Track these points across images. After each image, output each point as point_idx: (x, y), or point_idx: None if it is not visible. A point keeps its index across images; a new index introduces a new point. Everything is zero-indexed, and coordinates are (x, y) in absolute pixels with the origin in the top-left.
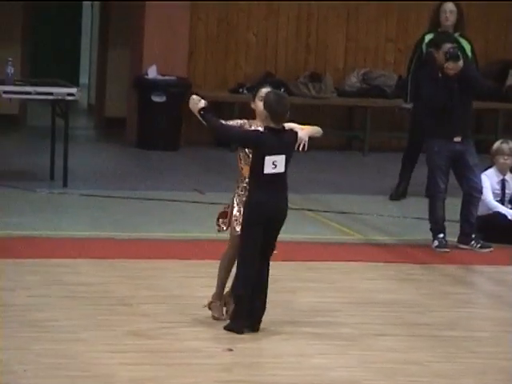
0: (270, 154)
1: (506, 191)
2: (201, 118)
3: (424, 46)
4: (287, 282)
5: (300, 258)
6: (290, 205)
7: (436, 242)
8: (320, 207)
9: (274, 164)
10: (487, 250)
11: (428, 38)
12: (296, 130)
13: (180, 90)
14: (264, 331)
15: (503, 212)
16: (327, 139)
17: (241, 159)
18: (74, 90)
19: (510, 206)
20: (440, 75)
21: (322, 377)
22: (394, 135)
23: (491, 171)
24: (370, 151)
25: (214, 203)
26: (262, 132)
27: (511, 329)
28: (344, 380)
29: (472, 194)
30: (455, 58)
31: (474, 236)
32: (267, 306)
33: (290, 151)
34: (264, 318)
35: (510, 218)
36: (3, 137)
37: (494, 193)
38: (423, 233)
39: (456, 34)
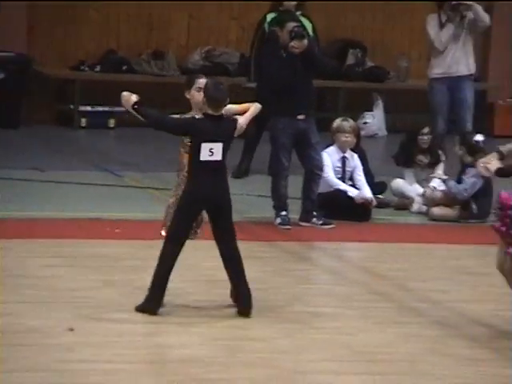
0: (207, 141)
1: (347, 168)
2: (135, 113)
3: (266, 25)
4: (129, 260)
5: (143, 237)
6: (134, 183)
7: (279, 220)
8: (165, 185)
9: (211, 151)
10: (328, 226)
11: (270, 17)
12: (236, 117)
13: (19, 67)
14: (108, 311)
15: (344, 189)
16: None
17: (181, 147)
18: None
19: (350, 182)
20: (284, 54)
21: (165, 355)
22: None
23: (332, 149)
24: None
25: (57, 182)
26: (198, 119)
27: (351, 304)
28: (187, 358)
29: (313, 171)
30: (300, 37)
31: (315, 213)
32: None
33: (228, 138)
34: (104, 297)
35: (350, 194)
36: None
37: (334, 170)
38: (266, 210)
39: (298, 13)
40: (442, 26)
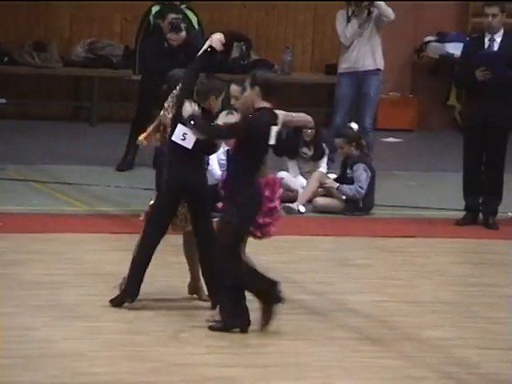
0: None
1: None
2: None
3: (151, 18)
4: (13, 254)
5: (26, 230)
6: (16, 176)
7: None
8: (46, 178)
9: (184, 136)
10: None
11: (155, 9)
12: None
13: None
14: None
15: None
16: (54, 110)
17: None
18: None
19: None
20: (166, 45)
21: (47, 349)
22: (123, 105)
23: None
24: (97, 122)
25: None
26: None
27: None
28: (69, 352)
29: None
30: (177, 29)
31: None
32: None
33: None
34: None
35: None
36: None
37: (219, 163)
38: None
39: (182, 6)
40: (348, 21)
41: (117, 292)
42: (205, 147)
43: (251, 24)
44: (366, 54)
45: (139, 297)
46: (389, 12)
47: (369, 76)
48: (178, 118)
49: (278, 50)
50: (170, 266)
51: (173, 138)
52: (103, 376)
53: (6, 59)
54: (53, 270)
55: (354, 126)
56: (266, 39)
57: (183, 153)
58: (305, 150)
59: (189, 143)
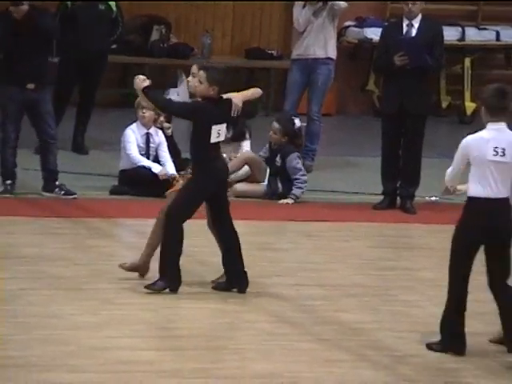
0: (216, 123)
1: (151, 145)
2: (144, 96)
3: (69, 2)
4: None
5: None
6: None
7: (1, 188)
8: None
9: (218, 133)
10: (72, 196)
11: None
12: (231, 97)
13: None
14: None
15: (147, 165)
16: None
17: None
18: None
19: (153, 159)
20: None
21: None
22: None
23: (135, 125)
24: None
25: None
26: (204, 102)
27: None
28: None
29: (46, 140)
30: (15, 3)
31: (57, 183)
32: None
33: (228, 119)
34: None
35: (154, 171)
36: None
37: (138, 146)
38: (71, 186)
39: None
40: (303, 8)
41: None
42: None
43: (171, 7)
44: (318, 43)
45: (55, 279)
46: (340, 3)
47: (319, 64)
48: (207, 122)
49: (197, 33)
50: (87, 250)
51: (212, 141)
52: (17, 359)
53: None
54: None
55: (297, 122)
56: (186, 22)
57: (216, 147)
58: None
59: (222, 136)
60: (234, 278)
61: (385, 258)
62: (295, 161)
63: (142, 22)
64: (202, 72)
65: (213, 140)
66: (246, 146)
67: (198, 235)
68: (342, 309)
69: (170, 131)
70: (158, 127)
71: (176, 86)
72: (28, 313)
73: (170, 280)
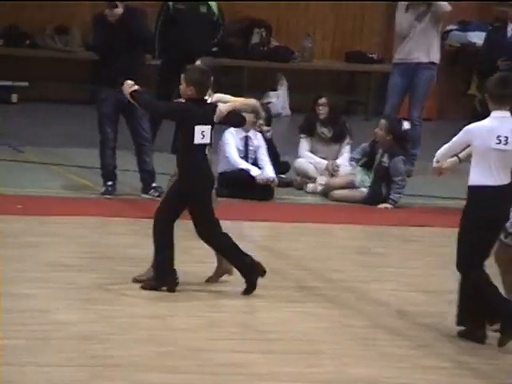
0: (199, 124)
1: (250, 148)
2: (132, 100)
3: (171, 3)
4: (30, 236)
5: (43, 213)
6: (35, 159)
7: (103, 189)
8: (63, 161)
9: (203, 134)
10: None
11: None
12: (218, 103)
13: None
14: (7, 285)
15: (246, 168)
16: (71, 93)
17: None
18: None
19: (252, 162)
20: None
21: (62, 331)
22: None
23: (234, 128)
24: None
25: None
26: (187, 103)
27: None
28: (84, 335)
29: (140, 143)
30: (112, 6)
31: (154, 185)
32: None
33: (212, 122)
34: (7, 273)
35: (252, 174)
36: None
37: (238, 149)
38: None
39: None
40: (406, 12)
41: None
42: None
43: (272, 10)
44: (421, 47)
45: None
46: (444, 5)
47: (421, 69)
48: (190, 123)
49: (298, 36)
50: (185, 251)
51: (195, 142)
52: (117, 359)
53: (27, 42)
54: (69, 252)
55: (406, 125)
56: (287, 25)
57: (200, 148)
58: (323, 130)
59: (207, 138)
60: (247, 272)
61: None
62: (400, 164)
63: (243, 25)
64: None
65: (196, 141)
66: (346, 152)
67: (297, 238)
68: (439, 315)
69: (269, 134)
70: (257, 130)
71: (276, 90)
72: (127, 313)
73: (164, 281)
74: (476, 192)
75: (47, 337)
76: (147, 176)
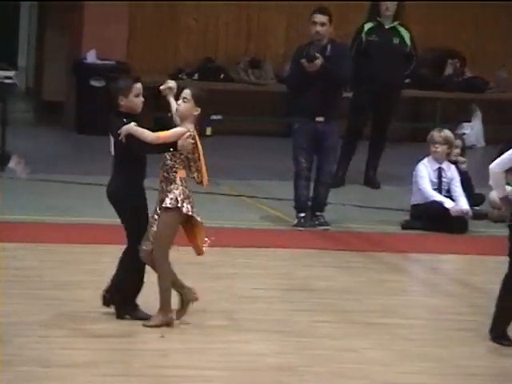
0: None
1: (443, 179)
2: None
3: (363, 35)
4: (225, 268)
5: (237, 245)
6: (229, 191)
7: (295, 221)
8: (257, 193)
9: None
10: (323, 227)
11: (367, 26)
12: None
13: (119, 75)
14: (201, 317)
15: (439, 200)
16: (266, 126)
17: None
18: (11, 73)
19: (445, 194)
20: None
21: (258, 363)
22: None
23: (428, 160)
24: None
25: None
26: None
27: (445, 317)
28: (280, 366)
29: (319, 174)
30: (310, 58)
31: (318, 213)
32: (203, 291)
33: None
34: (200, 304)
35: (445, 206)
36: None
37: (431, 181)
38: (362, 220)
39: (395, 23)
40: None
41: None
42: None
43: (465, 40)
44: None
45: (346, 313)
46: None
47: None
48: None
49: (494, 67)
50: (377, 284)
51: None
52: None
53: (222, 76)
54: (263, 284)
55: None
56: (482, 56)
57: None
58: None
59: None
60: (116, 293)
61: None
62: None
63: (435, 56)
64: None
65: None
66: None
67: (495, 271)
68: None
69: (464, 166)
70: (451, 161)
71: (470, 121)
72: (322, 345)
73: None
74: None
75: (239, 367)
76: (315, 205)
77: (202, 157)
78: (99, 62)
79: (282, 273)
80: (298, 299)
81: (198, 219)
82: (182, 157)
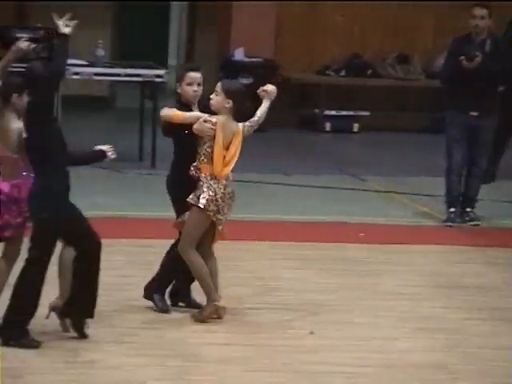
0: None
1: None
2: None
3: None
4: (371, 265)
5: (385, 241)
6: (377, 187)
7: (445, 216)
8: (406, 189)
9: None
10: (473, 222)
11: None
12: None
13: (267, 72)
14: (349, 314)
15: None
16: (414, 121)
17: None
18: (162, 72)
19: None
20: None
21: (406, 360)
22: None
23: None
24: None
25: (301, 185)
26: None
27: None
28: (428, 364)
29: (470, 168)
30: (470, 58)
31: (468, 209)
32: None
33: None
34: (348, 301)
35: None
36: (93, 118)
37: None
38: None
39: None
40: None
41: None
42: None
43: None
44: None
45: (490, 311)
46: None
47: None
48: None
49: None
50: None
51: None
52: None
53: (369, 72)
54: (410, 281)
55: None
56: None
57: None
58: None
59: None
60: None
61: None
62: None
63: None
64: None
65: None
66: None
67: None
68: None
69: None
70: None
71: None
72: (471, 343)
73: None
74: None
75: (393, 365)
76: (467, 201)
77: (219, 147)
78: (247, 59)
79: (430, 269)
80: (445, 296)
81: (219, 227)
82: (205, 146)
